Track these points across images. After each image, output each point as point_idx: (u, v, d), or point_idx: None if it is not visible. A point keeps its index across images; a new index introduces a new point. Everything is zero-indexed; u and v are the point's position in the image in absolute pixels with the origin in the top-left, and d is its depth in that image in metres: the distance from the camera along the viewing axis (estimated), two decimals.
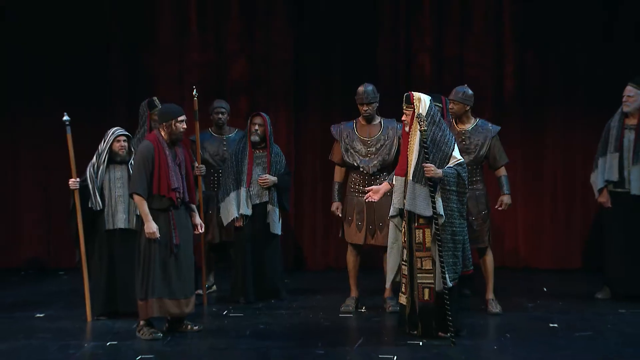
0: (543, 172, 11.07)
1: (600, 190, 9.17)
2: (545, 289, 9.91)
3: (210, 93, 10.77)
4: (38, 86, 11.27)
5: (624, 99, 9.05)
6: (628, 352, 7.42)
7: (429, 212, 7.57)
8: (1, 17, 11.15)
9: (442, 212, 7.55)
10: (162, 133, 7.88)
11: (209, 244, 9.65)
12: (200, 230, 8.24)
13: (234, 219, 9.21)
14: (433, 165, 7.49)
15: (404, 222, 7.81)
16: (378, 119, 8.91)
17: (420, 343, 7.66)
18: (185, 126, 7.92)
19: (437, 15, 11.09)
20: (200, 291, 9.25)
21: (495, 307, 8.70)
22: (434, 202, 7.51)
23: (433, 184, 7.50)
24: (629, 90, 9.04)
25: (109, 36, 11.38)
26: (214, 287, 9.88)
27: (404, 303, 7.85)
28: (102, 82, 11.36)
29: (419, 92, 7.86)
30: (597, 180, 9.20)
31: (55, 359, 7.41)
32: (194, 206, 8.20)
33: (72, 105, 10.25)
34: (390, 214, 7.93)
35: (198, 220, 8.20)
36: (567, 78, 10.94)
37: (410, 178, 7.59)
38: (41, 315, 8.93)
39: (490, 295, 8.80)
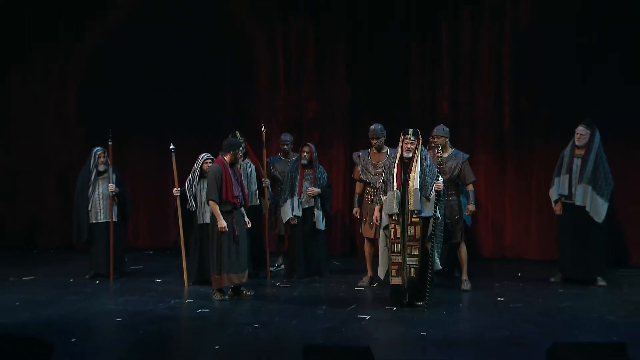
0: (531, 185, 11.60)
1: (556, 202, 9.96)
2: (519, 274, 10.49)
3: (293, 126, 12.06)
4: (173, 120, 12.57)
5: (577, 136, 9.77)
6: (537, 318, 8.13)
7: (430, 214, 8.46)
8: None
9: (439, 215, 8.61)
10: (226, 157, 9.15)
11: (278, 235, 10.90)
12: (248, 225, 9.33)
13: (289, 218, 10.37)
14: (441, 182, 8.64)
15: (392, 222, 8.54)
16: (385, 149, 9.89)
17: (394, 308, 8.46)
18: (240, 154, 9.33)
19: (453, 69, 11.78)
20: (271, 269, 10.61)
21: (466, 286, 9.59)
22: (436, 208, 8.52)
23: (437, 195, 8.54)
24: (581, 129, 9.77)
25: (225, 84, 12.52)
26: (282, 267, 10.87)
27: (400, 283, 8.59)
28: (218, 117, 12.55)
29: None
30: (553, 194, 9.96)
31: (146, 309, 8.55)
32: (243, 209, 9.27)
33: (194, 133, 11.98)
34: (382, 226, 8.67)
35: (247, 218, 9.34)
36: (550, 117, 11.46)
37: (418, 189, 8.47)
38: (159, 280, 10.16)
39: (464, 276, 9.67)
